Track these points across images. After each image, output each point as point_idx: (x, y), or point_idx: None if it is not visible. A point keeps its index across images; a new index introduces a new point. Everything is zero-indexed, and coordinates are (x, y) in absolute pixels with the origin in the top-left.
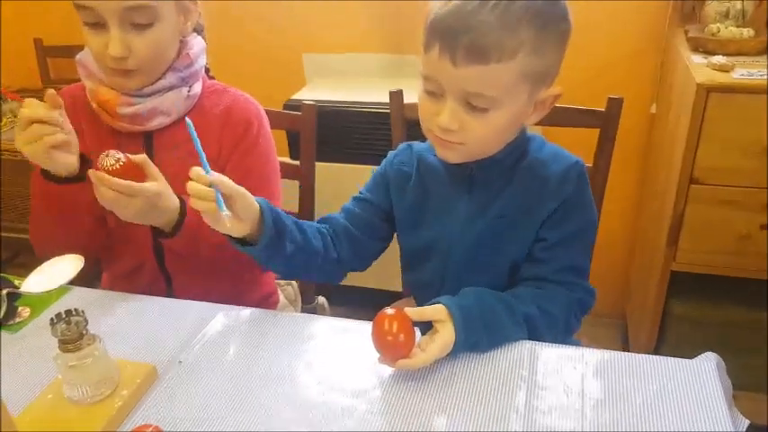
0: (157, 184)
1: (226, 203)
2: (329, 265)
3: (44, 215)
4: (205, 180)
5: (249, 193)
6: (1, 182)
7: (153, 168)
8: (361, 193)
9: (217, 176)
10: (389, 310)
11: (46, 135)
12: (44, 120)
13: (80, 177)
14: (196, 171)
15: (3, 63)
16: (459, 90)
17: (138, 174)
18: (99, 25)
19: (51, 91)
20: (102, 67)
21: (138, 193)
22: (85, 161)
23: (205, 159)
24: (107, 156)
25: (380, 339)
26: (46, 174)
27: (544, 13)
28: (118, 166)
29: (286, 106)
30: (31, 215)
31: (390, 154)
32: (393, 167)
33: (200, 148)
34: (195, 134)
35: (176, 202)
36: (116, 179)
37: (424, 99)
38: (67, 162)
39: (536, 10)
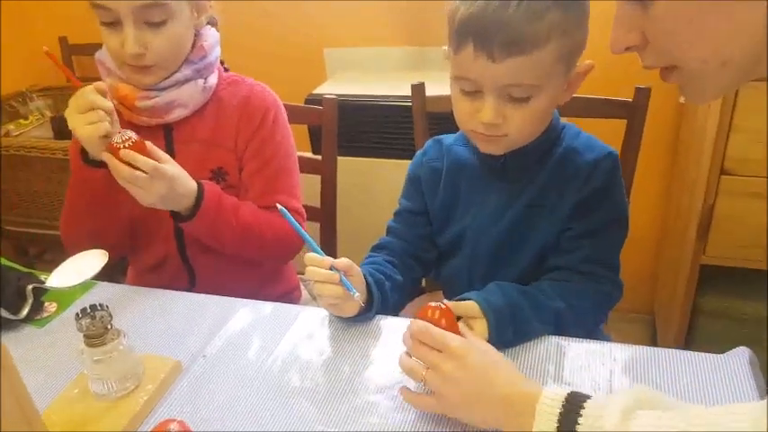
0: (173, 166)
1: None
2: (408, 288)
3: (79, 205)
4: (324, 264)
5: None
6: (30, 179)
7: (161, 153)
8: (400, 204)
9: (340, 260)
10: (434, 303)
11: (102, 122)
12: (104, 109)
13: None
14: (311, 257)
15: (29, 61)
16: (499, 84)
17: (150, 157)
18: (115, 24)
19: (100, 84)
20: (119, 64)
21: (153, 171)
22: None
23: (315, 244)
24: (119, 133)
25: None
26: (86, 159)
27: None
28: (128, 144)
29: (307, 101)
30: (64, 209)
31: (418, 153)
32: (423, 167)
33: (306, 235)
34: (295, 222)
35: (194, 186)
36: (131, 152)
37: (460, 100)
38: None
39: None
